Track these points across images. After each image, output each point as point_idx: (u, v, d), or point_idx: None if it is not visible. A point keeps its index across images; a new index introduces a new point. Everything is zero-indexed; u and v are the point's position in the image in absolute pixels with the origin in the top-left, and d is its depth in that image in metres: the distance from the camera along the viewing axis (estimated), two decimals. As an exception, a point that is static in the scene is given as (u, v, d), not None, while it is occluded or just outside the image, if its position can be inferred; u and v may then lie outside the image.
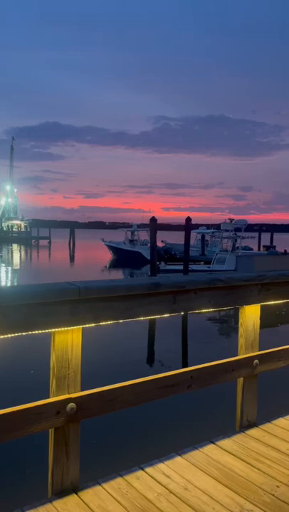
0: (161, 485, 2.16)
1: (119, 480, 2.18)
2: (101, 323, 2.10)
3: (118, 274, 27.95)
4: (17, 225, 74.51)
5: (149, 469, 2.29)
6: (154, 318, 9.51)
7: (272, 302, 2.87)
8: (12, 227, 73.80)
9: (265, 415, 2.99)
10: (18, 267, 29.80)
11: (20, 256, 40.97)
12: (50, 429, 2.02)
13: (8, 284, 20.53)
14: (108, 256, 37.30)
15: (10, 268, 28.98)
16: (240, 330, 2.83)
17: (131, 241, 38.23)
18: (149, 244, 25.63)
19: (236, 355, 2.80)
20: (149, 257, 23.88)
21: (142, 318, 2.29)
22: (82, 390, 2.10)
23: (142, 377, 2.32)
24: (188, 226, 23.32)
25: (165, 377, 2.38)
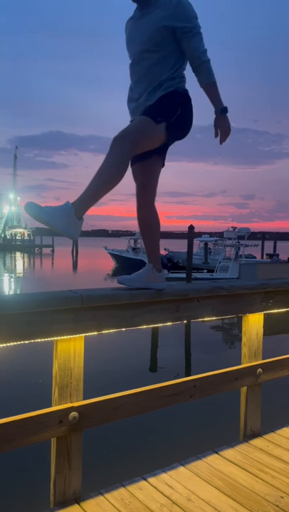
0: (164, 495, 2.14)
1: (121, 490, 2.16)
2: (104, 332, 2.09)
3: (121, 283, 27.82)
4: (20, 233, 74.68)
5: (152, 479, 2.27)
6: (157, 327, 9.49)
7: (275, 311, 2.86)
8: (15, 235, 73.99)
9: (269, 425, 2.96)
10: (21, 275, 29.84)
11: (24, 264, 41.04)
12: (52, 439, 2.01)
13: (11, 292, 20.54)
14: (111, 264, 37.30)
15: (13, 276, 29.02)
16: (244, 338, 2.82)
17: (134, 249, 38.23)
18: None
19: (240, 364, 2.79)
20: (152, 265, 23.77)
21: (144, 327, 2.28)
22: (85, 398, 2.09)
23: (144, 385, 2.31)
24: (191, 234, 23.33)
25: (168, 386, 2.37)
